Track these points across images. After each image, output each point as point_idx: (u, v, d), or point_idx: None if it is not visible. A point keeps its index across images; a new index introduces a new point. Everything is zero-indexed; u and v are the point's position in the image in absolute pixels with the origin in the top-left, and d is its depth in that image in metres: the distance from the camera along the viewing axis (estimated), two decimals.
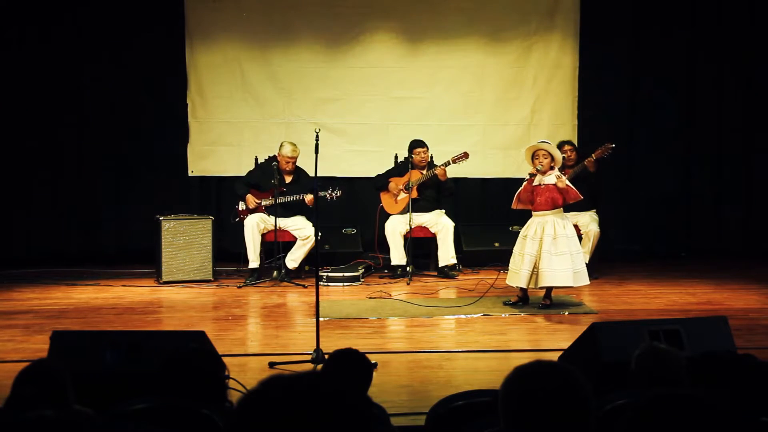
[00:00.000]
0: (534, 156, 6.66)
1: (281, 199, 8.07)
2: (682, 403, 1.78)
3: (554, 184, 6.61)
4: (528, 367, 2.00)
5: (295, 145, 8.18)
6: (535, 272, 6.59)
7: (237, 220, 8.27)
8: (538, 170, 6.60)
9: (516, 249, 6.78)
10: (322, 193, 7.83)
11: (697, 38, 9.44)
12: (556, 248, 6.54)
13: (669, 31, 9.40)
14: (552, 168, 6.66)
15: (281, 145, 8.22)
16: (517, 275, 6.67)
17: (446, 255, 8.28)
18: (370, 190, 8.76)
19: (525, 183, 6.74)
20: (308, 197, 7.97)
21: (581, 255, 6.80)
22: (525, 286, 6.67)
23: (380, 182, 8.58)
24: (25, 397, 2.76)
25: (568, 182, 6.72)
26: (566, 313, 6.61)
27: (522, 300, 6.87)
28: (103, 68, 9.06)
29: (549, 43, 9.36)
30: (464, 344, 5.77)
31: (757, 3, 9.38)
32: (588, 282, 6.82)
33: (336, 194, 8.04)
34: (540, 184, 6.65)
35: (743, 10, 9.42)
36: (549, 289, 6.76)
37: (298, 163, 8.57)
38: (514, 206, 6.91)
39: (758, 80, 9.42)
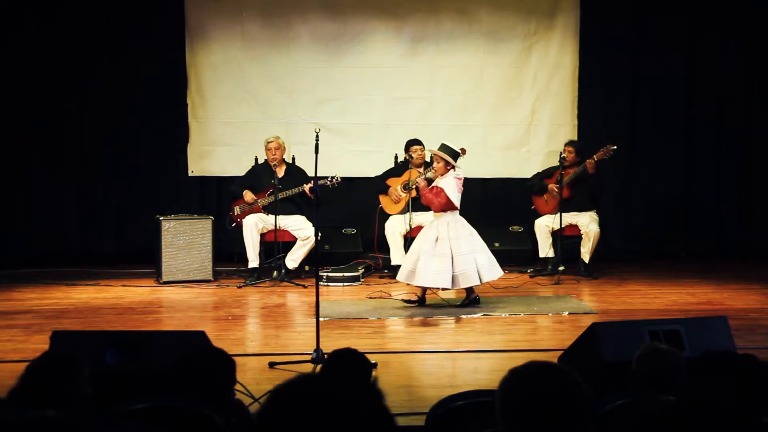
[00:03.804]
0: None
1: (280, 195, 8.04)
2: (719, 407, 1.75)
3: (440, 187, 6.63)
4: (523, 368, 2.00)
5: (277, 136, 8.24)
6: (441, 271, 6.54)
7: (233, 225, 8.27)
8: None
9: (419, 247, 6.69)
10: (322, 182, 7.78)
11: (698, 38, 9.42)
12: (436, 249, 6.54)
13: (670, 31, 9.39)
14: (448, 169, 6.66)
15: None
16: (437, 276, 6.53)
17: None
18: (370, 190, 8.75)
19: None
20: (307, 186, 7.97)
21: (482, 252, 6.69)
22: (450, 287, 6.63)
23: (380, 186, 8.56)
24: (37, 389, 2.75)
25: (442, 188, 6.63)
26: (566, 314, 6.61)
27: (420, 300, 6.83)
28: (103, 68, 9.06)
29: (549, 43, 9.36)
30: (464, 344, 5.77)
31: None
32: (500, 274, 6.78)
33: (336, 180, 8.02)
34: (436, 186, 6.73)
35: (745, 11, 9.41)
36: (424, 290, 6.80)
37: (298, 163, 8.57)
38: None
39: (759, 82, 9.41)
